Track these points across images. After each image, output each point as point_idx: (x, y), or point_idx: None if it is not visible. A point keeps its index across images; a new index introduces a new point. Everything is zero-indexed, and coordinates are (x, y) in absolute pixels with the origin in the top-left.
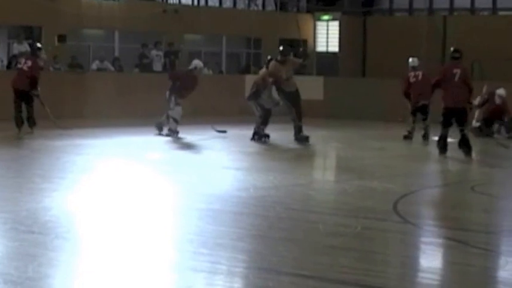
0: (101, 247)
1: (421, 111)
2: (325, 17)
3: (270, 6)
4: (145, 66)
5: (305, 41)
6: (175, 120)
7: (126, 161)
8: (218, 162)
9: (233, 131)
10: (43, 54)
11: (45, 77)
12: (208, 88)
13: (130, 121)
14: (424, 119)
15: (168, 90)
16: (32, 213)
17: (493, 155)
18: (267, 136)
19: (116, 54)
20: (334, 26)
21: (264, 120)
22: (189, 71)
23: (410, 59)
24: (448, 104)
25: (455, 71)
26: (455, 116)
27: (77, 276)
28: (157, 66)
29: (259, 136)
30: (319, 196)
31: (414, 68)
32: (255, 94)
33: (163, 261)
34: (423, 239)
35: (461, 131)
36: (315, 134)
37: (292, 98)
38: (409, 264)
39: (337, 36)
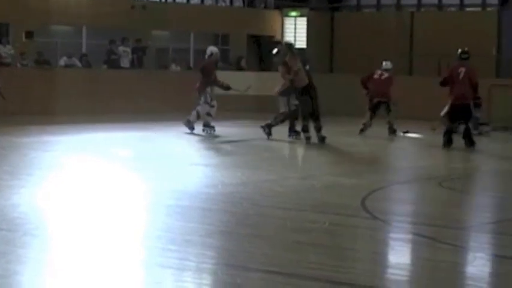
0: (70, 244)
1: (377, 108)
2: (293, 13)
3: (238, 3)
4: (113, 63)
5: (272, 38)
6: (210, 115)
7: (94, 158)
8: (187, 158)
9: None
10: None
11: (13, 73)
12: (177, 84)
13: (99, 117)
14: (389, 113)
15: (200, 85)
16: (0, 210)
17: (460, 150)
18: (301, 133)
19: (84, 50)
20: (302, 22)
21: (285, 119)
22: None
23: (384, 63)
24: (453, 100)
25: (460, 69)
26: (460, 111)
27: (46, 273)
28: (125, 62)
29: (267, 130)
30: (287, 192)
31: (387, 71)
32: (287, 91)
33: (131, 258)
34: (392, 235)
35: (465, 124)
36: (283, 130)
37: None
38: (378, 260)
39: (304, 32)
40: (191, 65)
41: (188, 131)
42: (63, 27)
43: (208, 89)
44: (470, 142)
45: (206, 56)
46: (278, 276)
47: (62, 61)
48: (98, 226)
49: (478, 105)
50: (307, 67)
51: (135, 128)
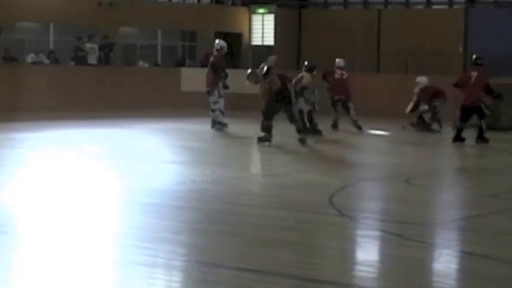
0: (40, 241)
1: (336, 105)
2: (261, 10)
3: (205, 0)
4: (80, 59)
5: (240, 35)
6: (222, 112)
7: (62, 155)
8: (156, 156)
9: (170, 125)
10: None
11: None
12: (144, 81)
13: (66, 114)
14: (348, 111)
15: (212, 81)
16: None
17: (427, 148)
18: (319, 132)
19: (51, 47)
20: (270, 19)
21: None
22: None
23: (337, 60)
24: (463, 102)
25: (472, 74)
26: (471, 112)
27: (15, 271)
28: (92, 59)
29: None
30: (256, 190)
31: (340, 68)
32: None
33: (102, 256)
34: (359, 232)
35: (479, 123)
36: (254, 127)
37: None
38: (346, 257)
39: (272, 29)
40: (159, 61)
41: (222, 131)
42: (30, 24)
43: (220, 84)
44: (482, 139)
45: (214, 50)
46: (248, 273)
47: (30, 58)
48: (68, 224)
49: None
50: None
51: (103, 124)
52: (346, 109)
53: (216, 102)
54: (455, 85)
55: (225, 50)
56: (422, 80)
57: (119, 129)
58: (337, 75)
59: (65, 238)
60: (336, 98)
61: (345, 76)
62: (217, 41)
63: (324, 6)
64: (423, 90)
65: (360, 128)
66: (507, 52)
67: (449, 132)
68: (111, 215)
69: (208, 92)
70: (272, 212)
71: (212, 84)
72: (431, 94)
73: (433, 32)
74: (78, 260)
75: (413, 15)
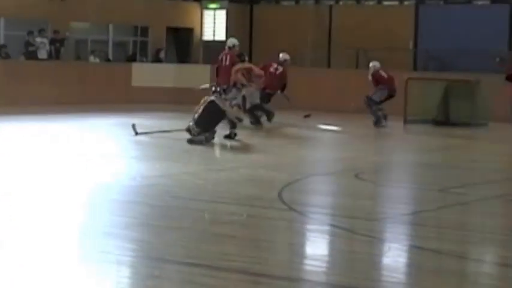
0: None
1: (265, 98)
2: (212, 6)
3: None
4: (30, 54)
5: (191, 30)
6: (240, 107)
7: (11, 151)
8: (105, 151)
9: (122, 120)
10: None
11: None
12: (95, 76)
13: (15, 109)
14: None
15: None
16: None
17: (378, 142)
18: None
19: (2, 41)
20: (221, 15)
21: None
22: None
23: (281, 55)
24: None
25: None
26: None
27: None
28: (42, 53)
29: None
30: (206, 184)
31: (279, 63)
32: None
33: (50, 251)
34: (308, 227)
35: None
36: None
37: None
38: (295, 252)
39: (224, 24)
40: (110, 56)
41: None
42: None
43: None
44: None
45: (226, 48)
46: (197, 268)
47: None
48: (13, 222)
49: None
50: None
51: (53, 119)
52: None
53: (235, 98)
54: (508, 78)
55: (238, 47)
56: (372, 65)
57: (68, 124)
58: (272, 69)
59: (12, 234)
60: (266, 91)
61: (278, 71)
62: (230, 39)
63: (275, 1)
64: (373, 75)
65: (269, 120)
66: (457, 49)
67: (397, 128)
68: (58, 211)
69: (224, 90)
70: (221, 207)
71: (228, 81)
72: (376, 80)
73: (384, 28)
74: (24, 256)
75: (364, 12)
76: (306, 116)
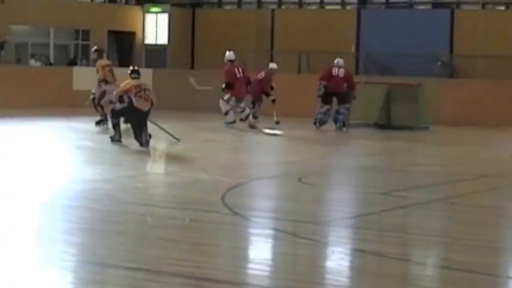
0: None
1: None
2: (155, 9)
3: None
4: None
5: (133, 34)
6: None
7: None
8: (46, 155)
9: (63, 124)
10: None
11: None
12: (36, 80)
13: None
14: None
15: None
16: None
17: (321, 146)
18: None
19: None
20: (164, 18)
21: None
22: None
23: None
24: None
25: None
26: None
27: None
28: None
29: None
30: (148, 188)
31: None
32: None
33: None
34: (252, 230)
35: None
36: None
37: None
38: (238, 255)
39: (166, 28)
40: (51, 60)
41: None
42: None
43: None
44: None
45: (229, 62)
46: (139, 272)
47: None
48: None
49: None
50: None
51: None
52: None
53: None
54: None
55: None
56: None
57: (9, 128)
58: (257, 76)
59: None
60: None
61: (258, 78)
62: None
63: (218, 5)
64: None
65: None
66: (398, 52)
67: (340, 131)
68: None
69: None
70: (164, 211)
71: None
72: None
73: (326, 32)
74: None
75: (306, 16)
76: (277, 123)
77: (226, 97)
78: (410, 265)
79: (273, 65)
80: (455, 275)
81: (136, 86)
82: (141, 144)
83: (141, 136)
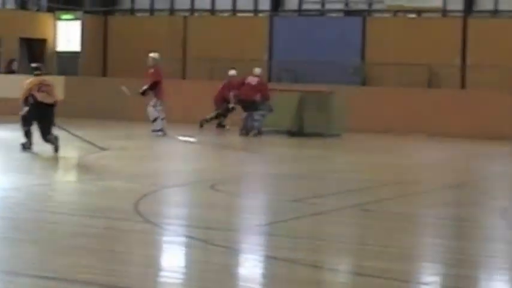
0: None
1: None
2: (66, 17)
3: (10, 4)
4: None
5: (44, 41)
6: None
7: None
8: None
9: None
10: None
11: None
12: None
13: None
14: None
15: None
16: None
17: (233, 153)
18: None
19: None
20: (76, 26)
21: None
22: None
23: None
24: None
25: None
26: None
27: None
28: None
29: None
30: (60, 196)
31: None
32: None
33: None
34: (164, 238)
35: None
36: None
37: None
38: (151, 264)
39: (78, 35)
40: None
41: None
42: None
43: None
44: None
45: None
46: (51, 281)
47: None
48: None
49: None
50: None
51: None
52: None
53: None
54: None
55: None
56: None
57: None
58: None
59: None
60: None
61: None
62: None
63: (130, 12)
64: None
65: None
66: (311, 60)
67: (252, 139)
68: None
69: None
70: (76, 219)
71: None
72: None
73: (238, 39)
74: None
75: (219, 23)
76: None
77: (152, 102)
78: (323, 272)
79: (231, 72)
80: (368, 281)
81: (38, 83)
82: (49, 141)
83: (49, 133)
